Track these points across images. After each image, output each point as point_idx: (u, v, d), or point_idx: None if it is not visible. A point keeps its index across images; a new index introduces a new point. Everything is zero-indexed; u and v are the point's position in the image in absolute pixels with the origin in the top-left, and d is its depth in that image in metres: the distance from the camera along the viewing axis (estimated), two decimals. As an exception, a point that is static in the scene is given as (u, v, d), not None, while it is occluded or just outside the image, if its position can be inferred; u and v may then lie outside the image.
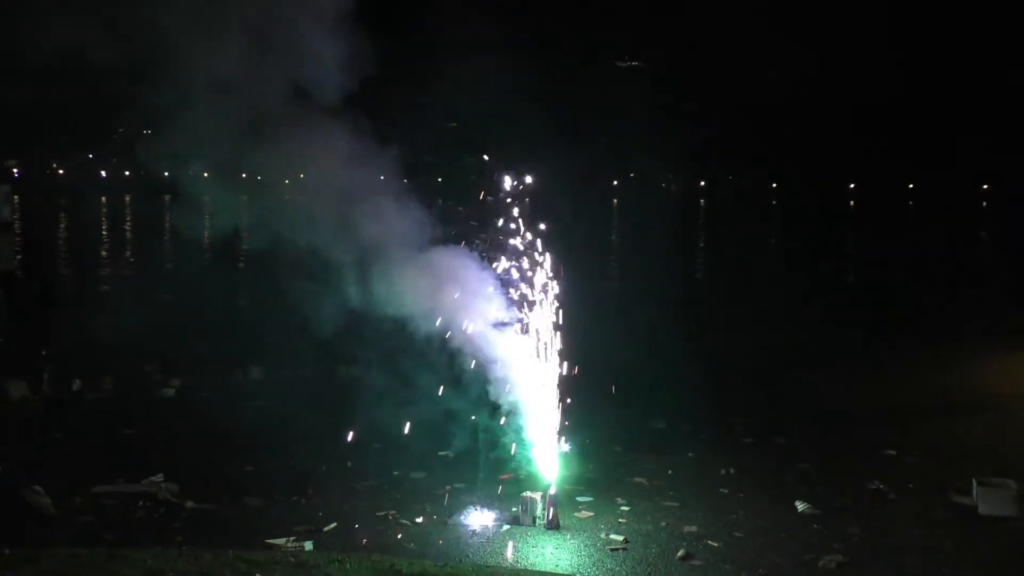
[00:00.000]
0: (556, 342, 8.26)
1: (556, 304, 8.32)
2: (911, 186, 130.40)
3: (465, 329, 8.35)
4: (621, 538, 7.65)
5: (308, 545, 7.35)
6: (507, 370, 8.30)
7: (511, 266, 8.47)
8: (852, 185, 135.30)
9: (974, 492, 8.35)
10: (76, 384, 12.44)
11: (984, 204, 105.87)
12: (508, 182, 8.57)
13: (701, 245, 49.59)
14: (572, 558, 7.33)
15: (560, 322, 8.28)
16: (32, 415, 11.44)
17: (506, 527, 7.84)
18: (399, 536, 7.73)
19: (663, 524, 7.97)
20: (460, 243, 8.74)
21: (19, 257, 17.64)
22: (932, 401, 12.75)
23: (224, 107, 8.26)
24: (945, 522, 8.13)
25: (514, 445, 8.39)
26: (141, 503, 8.26)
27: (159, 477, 8.73)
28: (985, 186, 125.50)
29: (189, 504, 8.30)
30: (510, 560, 7.25)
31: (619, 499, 8.52)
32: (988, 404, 12.51)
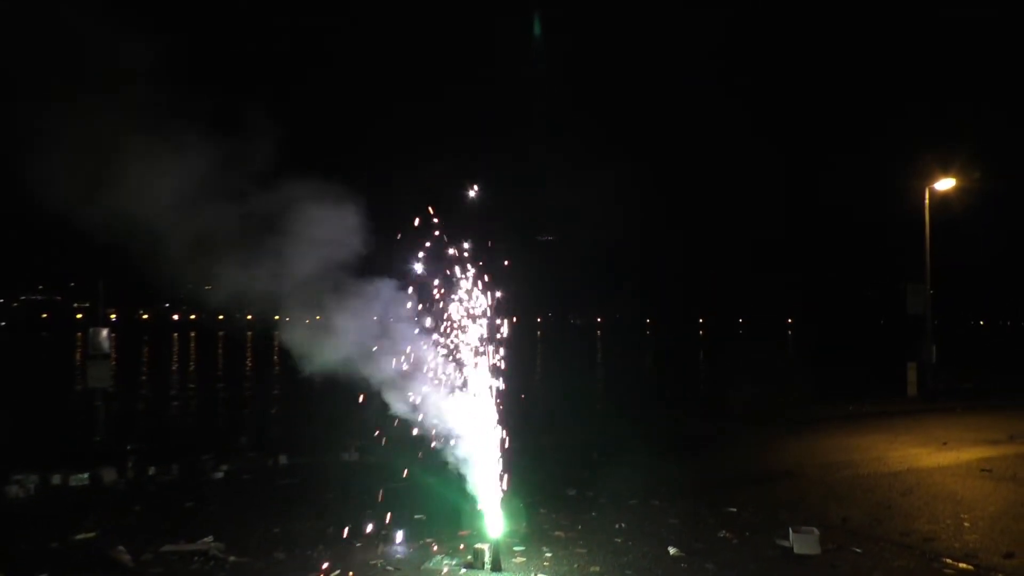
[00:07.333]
0: (499, 431, 8.15)
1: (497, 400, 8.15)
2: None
3: (439, 426, 8.14)
4: (546, 576, 7.46)
5: (319, 587, 7.05)
6: (466, 460, 8.16)
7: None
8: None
9: (791, 537, 8.30)
10: (151, 470, 11.99)
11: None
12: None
13: (599, 360, 49.75)
14: (511, 592, 7.12)
15: (500, 418, 8.16)
16: (119, 493, 10.97)
17: (464, 570, 7.59)
18: (386, 578, 7.45)
19: (575, 566, 7.76)
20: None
21: (113, 379, 17.15)
22: (761, 471, 12.71)
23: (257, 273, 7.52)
24: (772, 559, 8.03)
25: (469, 507, 8.22)
26: (196, 558, 7.87)
27: (210, 538, 8.35)
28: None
29: (232, 558, 7.92)
30: (466, 595, 7.01)
31: (544, 548, 8.30)
32: (798, 472, 12.50)
